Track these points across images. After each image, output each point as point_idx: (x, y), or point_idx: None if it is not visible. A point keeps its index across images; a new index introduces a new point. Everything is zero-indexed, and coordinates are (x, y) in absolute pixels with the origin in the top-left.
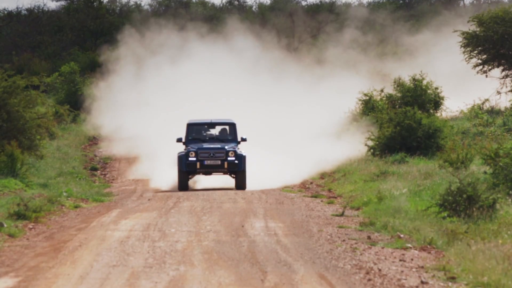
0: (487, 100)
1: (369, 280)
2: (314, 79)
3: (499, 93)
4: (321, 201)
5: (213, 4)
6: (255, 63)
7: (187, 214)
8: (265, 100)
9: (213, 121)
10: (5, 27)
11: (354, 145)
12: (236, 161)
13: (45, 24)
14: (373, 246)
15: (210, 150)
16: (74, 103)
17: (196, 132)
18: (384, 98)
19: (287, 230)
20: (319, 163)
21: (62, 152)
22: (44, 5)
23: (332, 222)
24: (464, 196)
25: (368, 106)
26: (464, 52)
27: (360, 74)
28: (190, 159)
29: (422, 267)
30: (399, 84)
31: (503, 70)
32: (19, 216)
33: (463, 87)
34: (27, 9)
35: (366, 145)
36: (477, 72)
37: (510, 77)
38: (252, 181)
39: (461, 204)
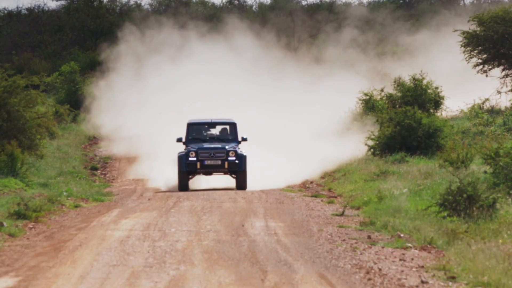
0: (487, 99)
1: (369, 279)
2: (314, 79)
3: (499, 92)
4: (321, 200)
5: (213, 4)
6: (255, 63)
7: (187, 213)
8: (265, 100)
9: (213, 120)
10: (5, 27)
11: (356, 144)
12: (237, 161)
13: (45, 24)
14: (373, 245)
15: (210, 150)
16: (74, 103)
17: (196, 132)
18: (384, 98)
19: (287, 229)
20: (321, 163)
21: (62, 151)
22: (44, 4)
23: (332, 221)
24: (464, 195)
25: (368, 106)
26: (464, 52)
27: (360, 73)
28: (190, 159)
29: (422, 266)
30: (399, 84)
31: (503, 70)
32: (19, 215)
33: (463, 86)
34: (27, 9)
35: (366, 144)
36: (477, 72)
37: (510, 76)
38: (253, 181)
39: (461, 204)
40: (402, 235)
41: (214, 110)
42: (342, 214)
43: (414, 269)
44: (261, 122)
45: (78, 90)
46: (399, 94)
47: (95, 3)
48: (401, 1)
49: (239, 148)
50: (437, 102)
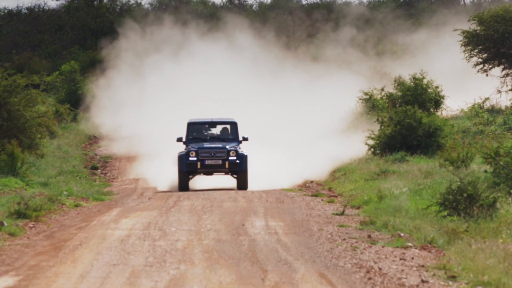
0: (487, 99)
1: (370, 279)
2: (314, 78)
3: (499, 92)
4: (322, 200)
5: (213, 3)
6: (255, 62)
7: (187, 213)
8: (266, 99)
9: (214, 120)
10: (6, 26)
11: (357, 144)
12: (238, 161)
13: (46, 23)
14: (374, 245)
15: (211, 149)
16: (75, 102)
17: (196, 132)
18: (385, 97)
19: (288, 229)
20: (322, 163)
21: (63, 151)
22: (45, 4)
23: (332, 221)
24: (465, 195)
25: (369, 105)
26: (464, 51)
27: (360, 73)
28: (190, 158)
29: (423, 266)
30: (399, 83)
31: (503, 69)
32: (20, 215)
33: (463, 86)
34: (27, 8)
35: (366, 144)
36: (478, 71)
37: (511, 75)
38: (254, 181)
39: (462, 203)
40: (402, 234)
41: (214, 110)
42: (342, 214)
43: (414, 269)
44: (261, 121)
45: (78, 89)
46: (399, 94)
47: (95, 2)
48: (401, 0)
49: (240, 148)
50: (437, 101)
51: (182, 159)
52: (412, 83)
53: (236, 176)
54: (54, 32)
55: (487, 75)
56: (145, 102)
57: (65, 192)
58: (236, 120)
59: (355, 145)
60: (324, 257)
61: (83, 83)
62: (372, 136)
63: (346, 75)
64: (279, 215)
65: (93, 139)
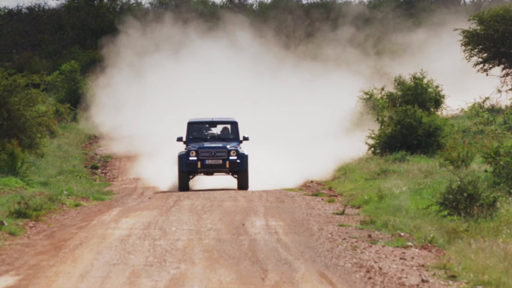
0: (487, 98)
1: (370, 278)
2: (313, 77)
3: (499, 91)
4: (322, 199)
5: (213, 3)
6: (255, 61)
7: (187, 212)
8: (266, 99)
9: (214, 119)
10: (6, 26)
11: (357, 143)
12: (238, 161)
13: (46, 23)
14: (374, 244)
15: (211, 149)
16: (75, 102)
17: (197, 131)
18: (385, 97)
19: (288, 228)
20: (323, 163)
21: (63, 150)
22: (45, 3)
23: (332, 220)
24: (465, 194)
25: (369, 105)
26: (464, 51)
27: (360, 72)
28: (190, 158)
29: (423, 265)
30: (399, 83)
31: (503, 69)
32: (20, 214)
33: (462, 85)
34: (27, 8)
35: (366, 143)
36: (478, 71)
37: (511, 75)
38: (255, 181)
39: (462, 203)
40: (402, 234)
41: (214, 109)
42: (342, 213)
43: (414, 268)
44: (262, 121)
45: (79, 89)
46: (399, 93)
47: (95, 2)
48: None
49: (240, 148)
50: (437, 101)
51: (182, 158)
52: (412, 83)
53: (236, 176)
54: (54, 32)
55: (487, 74)
56: (145, 102)
57: (65, 192)
58: (236, 119)
59: (357, 144)
60: (324, 256)
61: (83, 83)
62: (372, 135)
63: (345, 75)
64: (279, 215)
65: (93, 139)
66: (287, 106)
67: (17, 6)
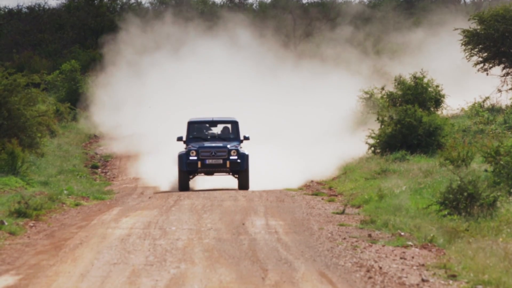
0: (487, 98)
1: (370, 278)
2: (313, 77)
3: (499, 91)
4: (322, 199)
5: (213, 2)
6: (255, 61)
7: (187, 212)
8: (266, 98)
9: (214, 119)
10: (6, 25)
11: (357, 143)
12: (239, 160)
13: (46, 22)
14: (374, 244)
15: (211, 149)
16: (75, 101)
17: (197, 131)
18: (385, 96)
19: (288, 228)
20: (323, 163)
21: (63, 150)
22: (45, 3)
23: (332, 220)
24: (465, 194)
25: (369, 104)
26: (464, 50)
27: (359, 72)
28: (191, 158)
29: (423, 265)
30: (399, 82)
31: (503, 68)
32: (20, 214)
33: (463, 85)
34: (28, 7)
35: (367, 143)
36: (478, 70)
37: (511, 75)
38: (256, 181)
39: (462, 202)
40: (402, 233)
41: (215, 109)
42: (342, 213)
43: (414, 268)
44: (262, 120)
45: (79, 88)
46: (399, 93)
47: (95, 1)
48: None
49: (241, 147)
50: (437, 100)
51: (183, 158)
52: (412, 82)
53: (237, 176)
54: (55, 31)
55: (487, 74)
56: (145, 101)
57: (65, 191)
58: (237, 119)
59: (357, 144)
60: (325, 256)
61: (83, 82)
62: (373, 135)
63: (345, 74)
64: (280, 214)
65: (93, 138)
66: (287, 105)
67: (17, 6)
